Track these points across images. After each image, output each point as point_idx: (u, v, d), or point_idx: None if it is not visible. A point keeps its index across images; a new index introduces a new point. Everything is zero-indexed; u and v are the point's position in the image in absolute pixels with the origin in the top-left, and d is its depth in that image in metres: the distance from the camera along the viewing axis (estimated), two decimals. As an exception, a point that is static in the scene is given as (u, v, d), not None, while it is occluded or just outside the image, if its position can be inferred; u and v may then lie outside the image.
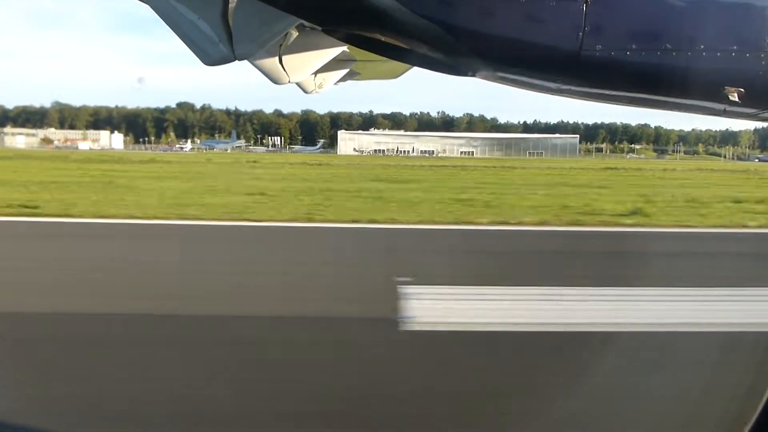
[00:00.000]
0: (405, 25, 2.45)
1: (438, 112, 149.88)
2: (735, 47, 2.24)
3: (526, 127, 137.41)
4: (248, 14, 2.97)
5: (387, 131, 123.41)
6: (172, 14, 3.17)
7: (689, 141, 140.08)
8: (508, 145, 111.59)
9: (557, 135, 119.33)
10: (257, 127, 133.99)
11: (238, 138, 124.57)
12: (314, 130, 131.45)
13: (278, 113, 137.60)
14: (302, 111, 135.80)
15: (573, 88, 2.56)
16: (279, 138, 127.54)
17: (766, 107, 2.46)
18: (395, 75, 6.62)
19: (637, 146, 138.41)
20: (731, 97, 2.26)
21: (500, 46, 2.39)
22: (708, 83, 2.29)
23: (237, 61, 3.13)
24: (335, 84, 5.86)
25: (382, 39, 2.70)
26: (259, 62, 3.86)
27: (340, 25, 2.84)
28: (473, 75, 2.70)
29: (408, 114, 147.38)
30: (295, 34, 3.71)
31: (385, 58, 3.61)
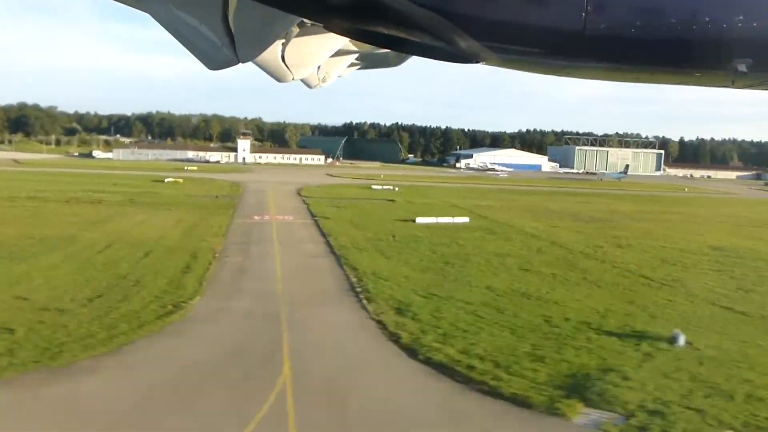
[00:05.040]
0: (406, 16, 2.45)
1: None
2: (741, 17, 2.19)
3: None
4: (249, 16, 2.97)
5: None
6: (174, 21, 3.15)
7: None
8: None
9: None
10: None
11: None
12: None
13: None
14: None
15: (579, 67, 2.55)
16: None
17: None
18: (396, 63, 6.64)
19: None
20: (739, 69, 2.23)
21: (504, 30, 2.37)
22: (715, 55, 2.26)
23: (241, 63, 3.13)
24: (339, 77, 5.89)
25: (384, 31, 2.70)
26: (263, 62, 3.84)
27: (341, 20, 2.83)
28: (477, 62, 2.68)
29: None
30: (296, 31, 3.73)
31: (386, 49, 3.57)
